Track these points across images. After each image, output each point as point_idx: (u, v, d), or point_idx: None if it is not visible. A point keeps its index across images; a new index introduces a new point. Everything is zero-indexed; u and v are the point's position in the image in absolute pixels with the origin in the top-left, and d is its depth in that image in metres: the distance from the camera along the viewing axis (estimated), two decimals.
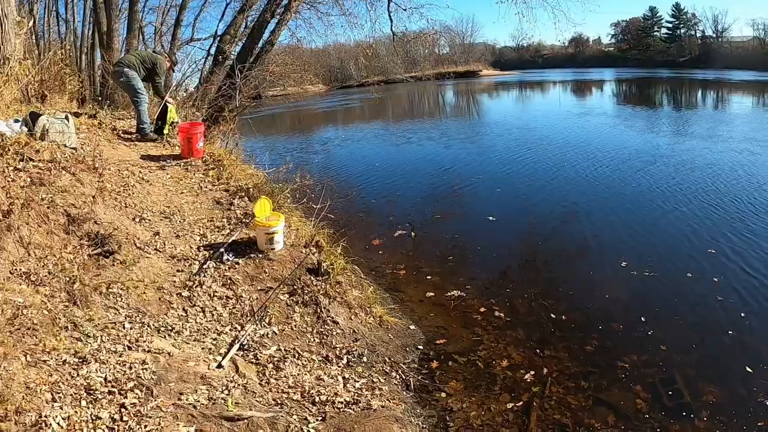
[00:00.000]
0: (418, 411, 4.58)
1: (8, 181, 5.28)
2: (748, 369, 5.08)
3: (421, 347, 5.60)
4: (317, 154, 18.02)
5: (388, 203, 11.29)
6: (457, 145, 18.62)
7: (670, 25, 79.51)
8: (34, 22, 14.24)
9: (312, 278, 5.99)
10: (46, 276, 4.56)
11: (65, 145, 6.77)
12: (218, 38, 16.07)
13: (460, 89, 52.26)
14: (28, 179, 5.52)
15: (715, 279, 7.04)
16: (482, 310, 6.44)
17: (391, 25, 17.11)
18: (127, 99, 10.80)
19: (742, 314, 6.16)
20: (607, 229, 9.07)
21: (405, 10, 16.68)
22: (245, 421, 3.76)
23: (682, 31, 77.71)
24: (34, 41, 14.01)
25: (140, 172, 7.60)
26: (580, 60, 78.50)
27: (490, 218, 9.71)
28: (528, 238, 8.87)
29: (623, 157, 14.19)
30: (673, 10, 78.58)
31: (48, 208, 5.31)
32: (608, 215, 9.80)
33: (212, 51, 16.41)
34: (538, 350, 5.55)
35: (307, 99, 40.97)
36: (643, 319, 6.07)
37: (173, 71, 12.44)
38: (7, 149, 5.80)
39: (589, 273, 7.38)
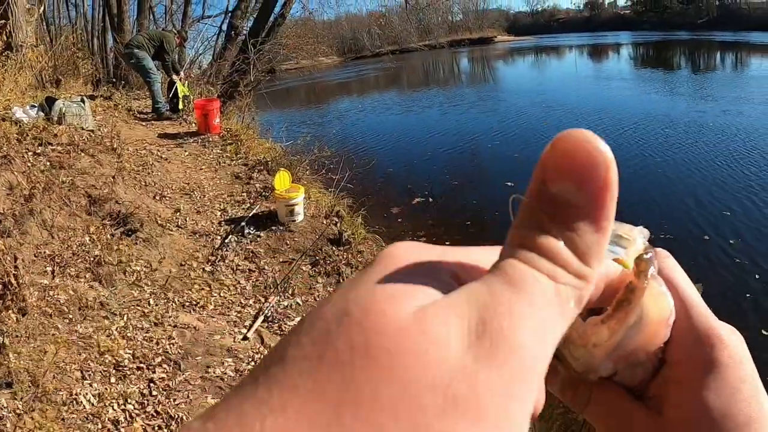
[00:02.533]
0: None
1: (28, 166, 5.39)
2: (764, 332, 5.08)
3: None
4: (334, 125, 17.90)
5: (406, 171, 11.27)
6: (473, 113, 18.37)
7: None
8: (44, 9, 14.34)
9: (333, 248, 6.03)
10: (70, 257, 4.66)
11: (82, 128, 6.88)
12: (230, 14, 16.07)
13: (475, 56, 51.49)
14: (48, 163, 5.63)
15: (732, 241, 7.00)
16: None
17: None
18: (141, 80, 10.91)
19: (757, 276, 6.12)
20: (627, 194, 8.98)
21: None
22: None
23: None
24: (45, 27, 14.15)
25: (158, 150, 7.70)
26: (596, 24, 76.60)
27: (508, 183, 9.66)
28: None
29: (640, 120, 13.89)
30: None
31: (69, 190, 5.41)
32: (626, 181, 9.70)
33: (224, 27, 16.44)
34: None
35: (321, 71, 40.67)
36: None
37: (184, 48, 12.47)
38: (25, 135, 5.91)
39: None
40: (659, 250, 0.37)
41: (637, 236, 0.37)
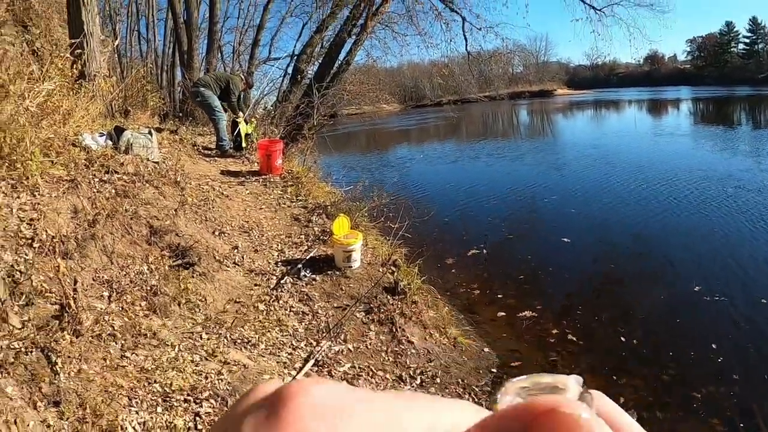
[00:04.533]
0: None
1: (94, 192, 5.57)
2: None
3: (494, 370, 5.52)
4: (392, 172, 18.04)
5: (462, 222, 11.26)
6: (531, 166, 18.38)
7: (748, 41, 76.51)
8: (117, 42, 14.98)
9: (388, 297, 6.03)
10: (127, 284, 4.78)
11: (148, 159, 7.09)
12: (295, 58, 16.55)
13: (535, 109, 51.65)
14: (113, 191, 5.81)
15: None
16: (555, 332, 6.32)
17: (466, 45, 17.24)
18: (206, 117, 11.26)
19: None
20: (682, 253, 8.76)
21: (480, 29, 16.81)
22: None
23: (760, 46, 74.82)
24: (117, 59, 14.76)
25: (220, 186, 7.88)
26: (656, 78, 76.21)
27: (564, 239, 9.56)
28: (601, 261, 8.66)
29: (701, 180, 13.60)
30: (750, 25, 75.61)
31: (131, 219, 5.58)
32: (683, 239, 9.46)
33: (289, 70, 16.89)
34: (613, 377, 5.39)
35: (382, 117, 41.24)
36: (714, 346, 5.84)
37: (249, 93, 12.84)
38: (93, 162, 6.12)
39: (661, 297, 7.16)
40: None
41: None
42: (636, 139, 23.67)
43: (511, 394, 0.36)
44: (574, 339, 6.18)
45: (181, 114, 13.49)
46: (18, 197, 4.77)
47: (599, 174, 15.50)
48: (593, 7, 16.75)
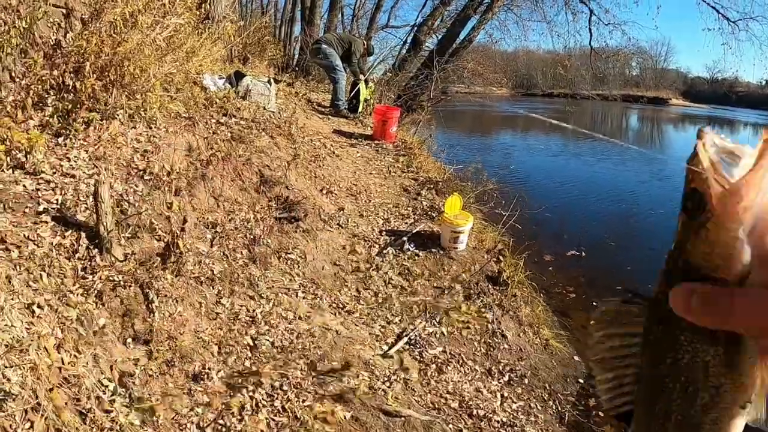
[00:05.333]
0: None
1: (210, 133, 5.50)
2: None
3: (581, 381, 5.21)
4: (499, 158, 17.63)
5: (562, 220, 10.84)
6: (638, 173, 17.61)
7: None
8: None
9: (490, 286, 5.77)
10: (231, 230, 4.68)
11: (265, 108, 7.01)
12: (415, 28, 16.33)
13: (647, 115, 49.77)
14: (229, 134, 5.73)
15: None
16: None
17: (590, 39, 16.66)
18: (321, 73, 11.21)
19: None
20: None
21: (607, 24, 16.26)
22: (402, 418, 3.65)
23: None
24: (239, 8, 14.91)
25: (332, 145, 7.75)
26: None
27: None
28: None
29: None
30: None
31: (244, 165, 5.48)
32: None
33: (407, 40, 16.72)
34: None
35: (492, 100, 40.68)
36: None
37: (367, 58, 12.74)
38: (212, 102, 6.06)
39: None
40: None
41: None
42: None
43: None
44: None
45: (297, 68, 13.52)
46: (134, 127, 4.72)
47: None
48: (727, 18, 15.91)
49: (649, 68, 73.20)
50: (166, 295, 3.48)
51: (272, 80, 7.73)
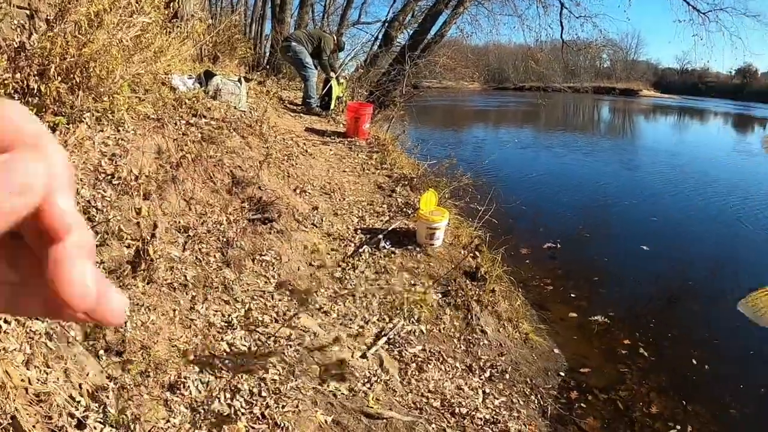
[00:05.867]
0: None
1: (180, 134, 5.41)
2: None
3: (562, 374, 5.27)
4: (473, 152, 17.70)
5: (539, 213, 10.92)
6: (614, 166, 17.86)
7: None
8: None
9: (468, 282, 5.76)
10: (204, 234, 4.59)
11: (235, 107, 6.94)
12: (386, 23, 16.34)
13: (618, 107, 50.39)
14: (200, 135, 5.64)
15: None
16: (626, 342, 6.03)
17: (561, 32, 16.82)
18: (293, 71, 11.18)
19: None
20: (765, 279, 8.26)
21: (578, 17, 16.45)
22: (384, 420, 3.61)
23: None
24: (208, 5, 14.82)
25: (304, 144, 7.70)
26: (747, 93, 72.86)
27: (643, 247, 9.12)
28: (680, 276, 8.22)
29: None
30: None
31: (215, 166, 5.40)
32: None
33: (379, 36, 16.73)
34: (681, 402, 5.09)
35: (463, 94, 40.95)
36: None
37: (338, 54, 12.72)
38: (181, 103, 5.96)
39: (737, 325, 6.70)
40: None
41: None
42: (722, 154, 22.72)
43: None
44: (645, 354, 5.90)
45: (268, 66, 13.46)
46: (102, 131, 4.61)
47: (683, 186, 14.86)
48: (697, 10, 16.15)
49: (620, 60, 73.89)
50: (137, 304, 3.40)
51: (243, 79, 7.67)
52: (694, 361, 5.78)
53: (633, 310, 6.91)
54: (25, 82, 4.16)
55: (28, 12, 4.60)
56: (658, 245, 9.42)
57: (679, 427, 4.73)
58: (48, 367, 2.67)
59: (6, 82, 4.02)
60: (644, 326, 6.45)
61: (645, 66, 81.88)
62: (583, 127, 33.47)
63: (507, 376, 4.84)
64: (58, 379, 2.65)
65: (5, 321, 2.65)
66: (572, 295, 7.13)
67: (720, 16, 16.23)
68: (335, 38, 11.16)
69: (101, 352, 3.03)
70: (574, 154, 19.75)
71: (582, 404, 4.91)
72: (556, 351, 5.65)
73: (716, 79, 79.99)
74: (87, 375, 2.84)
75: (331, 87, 10.17)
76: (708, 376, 5.62)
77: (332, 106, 10.11)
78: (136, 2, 5.73)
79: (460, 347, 4.99)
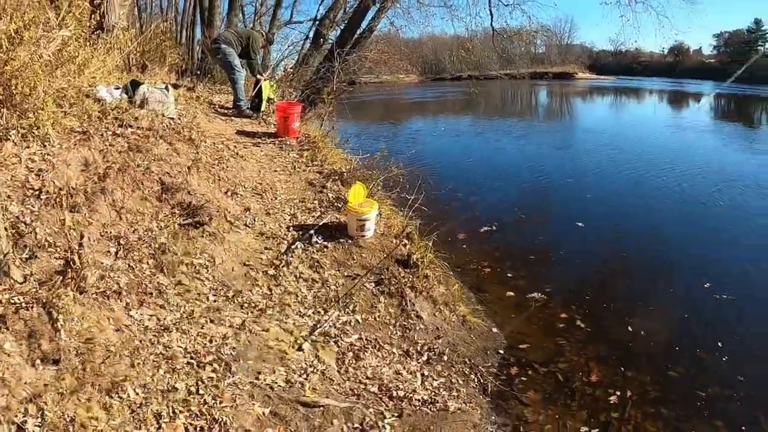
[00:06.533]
0: (493, 418, 4.45)
1: (106, 146, 5.46)
2: None
3: (501, 351, 5.46)
4: (408, 143, 17.94)
5: (475, 198, 11.15)
6: (547, 147, 18.36)
7: None
8: None
9: (400, 269, 5.92)
10: (135, 241, 4.68)
11: (164, 115, 6.99)
12: (317, 22, 16.40)
13: (554, 90, 51.24)
14: (126, 145, 5.70)
15: None
16: (564, 316, 6.27)
17: (491, 20, 17.08)
18: (224, 75, 11.16)
19: None
20: (695, 247, 8.66)
21: (507, 5, 16.75)
22: (321, 408, 3.75)
23: None
24: (137, 13, 14.66)
25: (235, 146, 7.75)
26: (680, 70, 74.41)
27: (579, 224, 9.43)
28: (614, 249, 8.53)
29: (718, 176, 13.32)
30: None
31: (143, 174, 5.47)
32: (697, 234, 9.35)
33: (311, 34, 16.77)
34: (620, 369, 5.33)
35: (400, 88, 41.12)
36: (720, 345, 5.73)
37: (269, 51, 12.72)
38: (107, 114, 6.00)
39: (671, 291, 7.04)
40: None
41: None
42: (656, 130, 23.36)
43: None
44: (582, 326, 6.14)
45: (199, 72, 13.41)
46: (28, 147, 4.67)
47: (618, 162, 15.33)
48: None
49: (554, 45, 74.91)
50: (70, 313, 3.47)
51: (170, 86, 7.67)
52: (630, 329, 6.05)
53: (569, 285, 7.16)
54: None
55: None
56: (592, 221, 9.73)
57: (618, 393, 4.95)
58: None
59: None
60: (581, 300, 6.70)
61: (579, 49, 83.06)
62: (519, 113, 34.04)
63: (445, 358, 5.01)
64: None
65: None
66: (509, 275, 7.35)
67: None
68: (263, 33, 11.20)
69: (37, 361, 3.12)
70: (508, 139, 20.16)
71: (522, 379, 5.09)
72: (495, 330, 5.85)
73: (650, 58, 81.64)
74: (24, 384, 2.93)
75: (261, 88, 10.20)
76: (644, 341, 5.87)
77: (263, 108, 10.13)
78: (57, 16, 5.78)
79: (397, 333, 5.15)
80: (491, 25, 17.24)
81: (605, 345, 5.79)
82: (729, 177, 13.24)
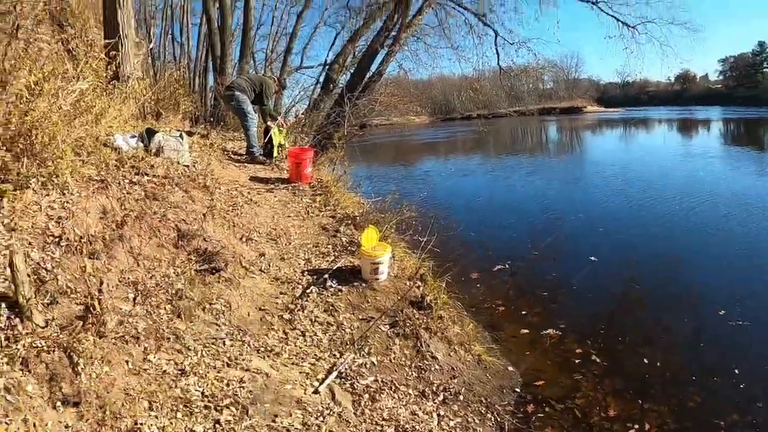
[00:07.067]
0: None
1: (124, 194, 5.59)
2: None
3: (518, 389, 5.48)
4: (419, 184, 18.18)
5: (488, 237, 11.22)
6: (558, 183, 18.51)
7: None
8: (152, 44, 15.21)
9: (414, 311, 5.98)
10: (153, 287, 4.78)
11: (179, 162, 7.13)
12: (327, 66, 16.73)
13: (564, 125, 51.71)
14: (143, 193, 5.84)
15: None
16: (579, 352, 6.28)
17: (498, 59, 17.40)
18: (236, 121, 11.36)
19: None
20: (707, 275, 8.64)
21: (512, 44, 17.13)
22: None
23: None
24: (151, 62, 14.99)
25: (249, 193, 7.90)
26: (687, 97, 75.13)
27: (591, 258, 9.46)
28: (627, 281, 8.51)
29: (728, 201, 13.39)
30: None
31: (160, 221, 5.60)
32: (708, 261, 9.34)
33: (321, 79, 17.07)
34: (638, 401, 5.33)
35: (411, 129, 41.56)
36: (737, 372, 5.72)
37: (282, 95, 12.96)
38: (124, 162, 6.15)
39: (684, 319, 7.04)
40: None
41: None
42: (665, 159, 23.50)
43: None
44: (598, 360, 6.14)
45: (212, 119, 13.64)
46: (47, 195, 4.79)
47: (628, 194, 15.38)
48: (626, 24, 16.95)
49: (562, 80, 75.70)
50: (90, 357, 3.57)
51: (185, 134, 7.83)
52: (646, 360, 6.06)
53: (583, 320, 7.17)
54: None
55: None
56: (604, 254, 9.76)
57: (637, 426, 4.96)
58: (8, 417, 2.86)
59: None
60: (595, 334, 6.71)
61: (587, 83, 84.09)
62: (529, 149, 34.34)
63: (461, 398, 5.04)
64: (17, 429, 2.84)
65: None
66: (523, 313, 7.38)
67: (648, 27, 17.06)
68: (276, 79, 11.43)
69: (58, 403, 3.21)
70: (518, 176, 20.31)
71: (539, 416, 5.10)
72: (511, 368, 5.87)
73: (657, 87, 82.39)
74: (46, 425, 3.02)
75: (272, 135, 10.38)
76: (660, 372, 5.87)
77: (275, 154, 10.31)
78: (74, 68, 5.97)
79: (412, 374, 5.18)
80: (498, 64, 17.58)
81: (621, 378, 5.79)
82: (739, 202, 13.29)
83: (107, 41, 8.20)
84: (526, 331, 6.87)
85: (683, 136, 37.93)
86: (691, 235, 10.95)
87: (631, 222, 12.38)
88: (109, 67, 7.37)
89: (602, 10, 16.56)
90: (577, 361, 6.15)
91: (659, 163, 21.81)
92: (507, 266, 9.19)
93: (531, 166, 23.37)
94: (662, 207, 13.38)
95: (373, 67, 15.27)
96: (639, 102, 79.06)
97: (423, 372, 5.26)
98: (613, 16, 16.81)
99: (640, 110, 66.88)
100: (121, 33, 8.48)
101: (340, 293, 6.03)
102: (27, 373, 3.20)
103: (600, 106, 76.52)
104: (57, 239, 4.43)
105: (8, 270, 3.50)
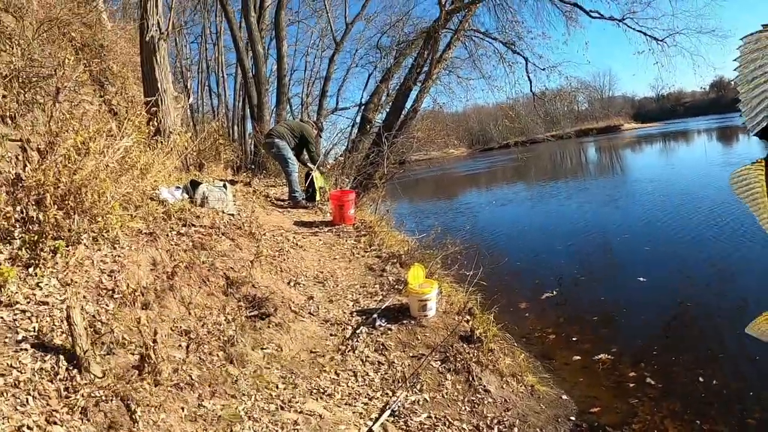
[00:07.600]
0: None
1: (172, 245, 5.76)
2: None
3: (573, 418, 5.41)
4: (462, 218, 18.27)
5: (534, 265, 11.22)
6: (600, 204, 18.43)
7: None
8: (191, 98, 15.64)
9: (464, 345, 5.98)
10: (205, 335, 4.89)
11: (224, 212, 7.30)
12: (362, 107, 16.94)
13: (602, 145, 51.36)
14: (191, 243, 6.00)
15: None
16: (633, 375, 6.20)
17: (531, 86, 17.46)
18: (277, 167, 11.56)
19: None
20: (760, 288, 8.44)
21: (543, 69, 17.10)
22: None
23: None
24: (190, 114, 15.40)
25: (294, 237, 8.04)
26: (723, 105, 74.14)
27: (640, 279, 9.36)
28: (678, 300, 8.40)
29: None
30: None
31: (209, 270, 5.74)
32: (761, 273, 9.13)
33: (357, 120, 17.28)
34: (696, 422, 5.23)
35: (450, 162, 41.58)
36: None
37: (320, 137, 13.18)
38: (171, 215, 6.33)
39: (737, 335, 6.88)
40: None
41: None
42: (707, 171, 23.15)
43: None
44: (653, 383, 6.07)
45: (253, 166, 13.89)
46: (99, 249, 4.96)
47: (672, 210, 15.23)
48: (655, 38, 16.78)
49: (597, 99, 75.33)
50: (147, 405, 3.67)
51: (228, 183, 8.02)
52: (702, 379, 5.97)
53: (635, 342, 7.11)
54: (25, 212, 4.54)
55: (20, 144, 5.00)
56: (652, 274, 9.66)
57: None
58: None
59: (8, 215, 4.41)
60: (648, 356, 6.64)
61: (622, 100, 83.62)
62: (569, 172, 34.29)
63: (516, 430, 5.01)
64: None
65: (27, 427, 2.96)
66: (574, 339, 7.34)
67: (677, 39, 16.82)
68: (314, 124, 11.63)
69: None
70: (560, 200, 20.43)
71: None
72: (564, 397, 5.83)
73: (692, 97, 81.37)
74: None
75: (313, 179, 10.56)
76: (717, 391, 5.78)
77: (318, 197, 10.47)
78: (118, 126, 6.19)
79: (465, 409, 5.17)
80: (531, 90, 17.62)
81: (678, 400, 5.70)
82: None
83: (147, 98, 8.49)
84: (578, 357, 6.83)
85: (724, 145, 37.48)
86: (740, 248, 10.72)
87: (677, 239, 12.23)
88: (150, 122, 7.62)
89: (629, 27, 16.51)
90: (631, 385, 6.08)
91: (701, 176, 21.63)
92: (555, 293, 9.17)
93: (572, 189, 23.31)
94: (709, 221, 13.20)
95: (408, 104, 15.52)
96: (676, 114, 78.24)
97: (476, 406, 5.24)
98: (640, 31, 16.75)
99: (678, 122, 66.23)
100: (159, 89, 8.80)
101: (389, 332, 6.08)
102: (86, 421, 3.30)
103: (637, 122, 75.94)
104: (110, 292, 4.57)
105: (66, 324, 3.64)
